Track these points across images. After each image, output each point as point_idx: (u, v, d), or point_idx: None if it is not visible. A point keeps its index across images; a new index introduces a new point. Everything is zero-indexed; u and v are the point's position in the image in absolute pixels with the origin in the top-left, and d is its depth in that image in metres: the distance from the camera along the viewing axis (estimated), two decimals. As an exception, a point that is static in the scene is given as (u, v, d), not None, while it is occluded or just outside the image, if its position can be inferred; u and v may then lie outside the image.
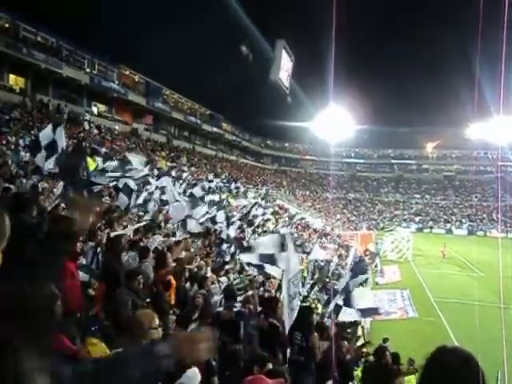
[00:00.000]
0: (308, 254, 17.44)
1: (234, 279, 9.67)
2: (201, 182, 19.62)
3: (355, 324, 12.45)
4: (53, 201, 7.23)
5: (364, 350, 9.01)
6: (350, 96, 46.99)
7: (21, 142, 16.16)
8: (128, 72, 38.81)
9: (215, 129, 52.67)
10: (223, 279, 8.63)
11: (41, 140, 7.51)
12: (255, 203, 20.89)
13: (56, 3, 29.25)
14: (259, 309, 6.25)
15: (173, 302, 5.68)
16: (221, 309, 6.12)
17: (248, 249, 7.62)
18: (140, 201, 9.03)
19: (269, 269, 6.80)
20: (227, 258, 11.29)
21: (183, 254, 6.93)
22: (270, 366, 3.69)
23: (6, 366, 0.95)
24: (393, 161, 71.99)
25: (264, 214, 23.86)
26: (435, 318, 16.98)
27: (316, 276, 16.76)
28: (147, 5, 38.22)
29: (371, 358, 7.09)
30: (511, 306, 14.49)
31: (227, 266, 10.15)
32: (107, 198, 10.58)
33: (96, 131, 28.08)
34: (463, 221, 56.12)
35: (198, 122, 49.10)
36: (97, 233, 5.84)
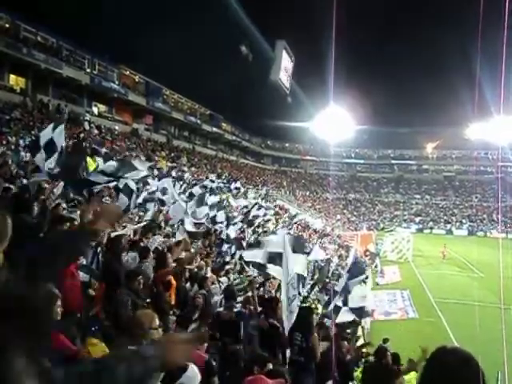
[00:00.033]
0: (308, 254, 17.42)
1: (234, 279, 9.67)
2: (201, 182, 19.56)
3: (355, 324, 12.44)
4: (52, 200, 7.22)
5: (364, 350, 9.01)
6: (349, 96, 47.02)
7: (21, 142, 16.17)
8: (128, 72, 38.82)
9: (215, 129, 52.69)
10: (223, 279, 8.63)
11: (40, 139, 7.51)
12: (255, 203, 20.87)
13: (56, 3, 29.26)
14: (259, 309, 6.25)
15: (173, 303, 5.68)
16: (221, 309, 6.12)
17: (256, 244, 7.60)
18: (140, 200, 9.02)
19: (271, 268, 6.80)
20: (228, 259, 11.30)
21: (183, 255, 6.93)
22: (270, 366, 3.69)
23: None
24: (393, 161, 71.97)
25: (265, 215, 23.86)
26: (435, 319, 16.98)
27: (316, 276, 16.76)
28: (147, 5, 38.24)
29: (371, 358, 7.09)
30: (511, 306, 14.51)
31: (227, 266, 10.15)
32: (107, 198, 10.58)
33: (96, 131, 28.09)
34: (463, 221, 56.11)
35: (198, 122, 49.11)
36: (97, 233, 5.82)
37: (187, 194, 13.54)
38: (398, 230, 46.27)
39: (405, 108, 56.92)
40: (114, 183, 7.88)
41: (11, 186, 7.39)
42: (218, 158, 51.17)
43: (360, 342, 11.85)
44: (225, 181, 33.00)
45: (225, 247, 11.73)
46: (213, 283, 7.26)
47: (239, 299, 6.78)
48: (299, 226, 32.13)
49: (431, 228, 55.50)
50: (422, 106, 59.17)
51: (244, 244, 13.23)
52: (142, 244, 7.25)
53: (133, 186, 7.96)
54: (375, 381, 5.27)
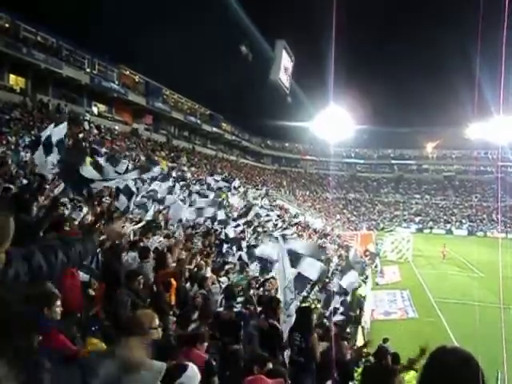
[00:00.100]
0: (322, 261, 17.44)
1: (234, 279, 9.67)
2: (203, 181, 19.58)
3: (355, 324, 12.47)
4: (53, 198, 7.21)
5: (365, 350, 9.00)
6: (349, 96, 46.99)
7: (21, 142, 16.16)
8: (128, 72, 38.80)
9: (215, 129, 52.68)
10: (223, 279, 8.63)
11: (41, 139, 7.54)
12: (253, 204, 20.86)
13: (56, 3, 29.30)
14: (259, 309, 6.25)
15: (173, 303, 5.68)
16: (221, 309, 6.13)
17: (275, 239, 7.64)
18: (138, 198, 9.02)
19: (277, 267, 6.84)
20: (230, 258, 11.30)
21: (183, 255, 6.93)
22: (270, 365, 3.69)
23: None
24: (393, 161, 71.97)
25: (268, 216, 23.91)
26: (435, 319, 16.97)
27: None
28: (147, 5, 38.28)
29: (371, 358, 7.08)
30: (511, 306, 14.51)
31: (227, 266, 10.15)
32: (107, 197, 10.57)
33: (96, 131, 28.08)
34: (463, 221, 56.11)
35: (198, 121, 49.10)
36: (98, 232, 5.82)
37: (187, 192, 13.56)
38: (397, 229, 46.26)
39: (405, 108, 57.02)
40: (114, 183, 7.88)
41: (11, 186, 7.39)
42: (218, 158, 51.17)
43: (360, 342, 11.86)
44: (225, 180, 32.98)
45: (225, 247, 11.74)
46: (213, 283, 7.27)
47: (239, 299, 6.79)
48: (299, 226, 32.12)
49: (431, 228, 55.50)
50: (422, 105, 59.30)
51: (244, 244, 13.25)
52: (141, 244, 7.26)
53: (133, 187, 7.98)
54: (375, 381, 5.27)
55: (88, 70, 32.48)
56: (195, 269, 7.60)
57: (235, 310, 5.96)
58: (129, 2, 33.79)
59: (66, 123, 8.35)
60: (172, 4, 39.49)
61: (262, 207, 27.08)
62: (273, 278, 9.99)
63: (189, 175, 26.21)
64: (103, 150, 19.96)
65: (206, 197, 12.65)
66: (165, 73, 40.64)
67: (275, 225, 23.69)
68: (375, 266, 27.25)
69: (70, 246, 1.88)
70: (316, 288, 15.27)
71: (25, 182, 8.81)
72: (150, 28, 37.66)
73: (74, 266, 2.15)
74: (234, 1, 33.81)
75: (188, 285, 6.81)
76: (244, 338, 5.04)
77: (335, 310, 8.52)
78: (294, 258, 6.81)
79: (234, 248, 11.88)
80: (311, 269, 7.31)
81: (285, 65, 39.41)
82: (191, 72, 41.80)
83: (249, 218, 17.13)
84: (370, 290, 20.58)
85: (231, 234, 12.38)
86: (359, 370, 6.92)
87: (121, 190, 7.87)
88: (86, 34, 32.43)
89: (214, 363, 3.71)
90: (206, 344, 3.92)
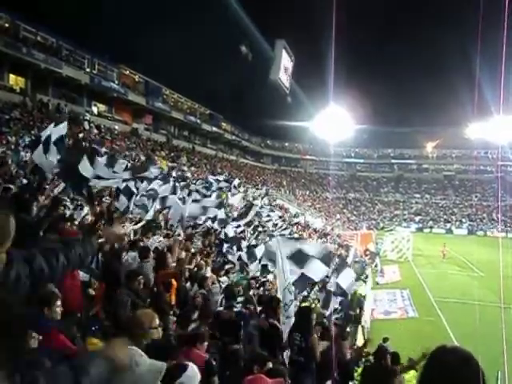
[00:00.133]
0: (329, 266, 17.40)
1: (234, 279, 9.67)
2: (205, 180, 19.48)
3: (355, 323, 12.47)
4: (53, 198, 7.21)
5: (365, 350, 9.00)
6: (349, 96, 47.04)
7: (21, 141, 16.16)
8: (128, 72, 38.79)
9: (215, 128, 52.67)
10: (224, 279, 8.63)
11: (41, 137, 7.54)
12: (253, 204, 20.79)
13: (56, 3, 29.28)
14: (259, 309, 6.26)
15: (173, 303, 5.68)
16: (221, 309, 6.13)
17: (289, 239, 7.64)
18: (138, 197, 9.00)
19: (283, 265, 6.84)
20: (230, 257, 11.30)
21: (183, 255, 6.93)
22: (270, 365, 3.70)
23: None
24: (393, 160, 71.97)
25: (268, 216, 23.88)
26: (435, 318, 16.97)
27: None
28: (147, 5, 38.27)
29: (371, 358, 7.08)
30: (511, 305, 14.51)
31: (227, 266, 10.16)
32: (107, 197, 10.57)
33: (96, 131, 28.08)
34: (463, 220, 56.12)
35: (198, 121, 49.10)
36: (97, 232, 5.83)
37: (187, 192, 13.52)
38: (397, 229, 46.20)
39: (405, 108, 57.04)
40: (112, 183, 7.87)
41: (11, 186, 7.39)
42: (218, 158, 51.18)
43: (360, 341, 11.87)
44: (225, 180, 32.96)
45: (225, 247, 11.73)
46: (213, 283, 7.27)
47: (239, 299, 6.79)
48: (299, 226, 32.14)
49: (431, 227, 55.51)
50: (422, 105, 59.30)
51: (244, 244, 13.24)
52: (141, 244, 7.26)
53: (133, 187, 7.97)
54: (374, 381, 5.27)
55: (88, 69, 32.48)
56: (195, 268, 7.60)
57: (235, 309, 5.96)
58: (129, 2, 33.79)
59: (66, 122, 8.35)
60: (172, 4, 39.51)
61: (262, 207, 27.03)
62: (273, 277, 10.01)
63: (189, 175, 26.19)
64: (103, 149, 19.94)
65: (209, 196, 12.61)
66: (165, 72, 40.66)
67: (275, 224, 23.68)
68: (375, 266, 27.26)
69: (70, 248, 1.89)
70: (316, 288, 15.29)
71: (25, 181, 8.82)
72: (150, 28, 37.66)
73: (75, 269, 2.16)
74: (233, 1, 33.82)
75: (188, 284, 6.81)
76: (244, 337, 5.04)
77: (334, 309, 8.51)
78: (303, 258, 6.83)
79: (235, 248, 11.87)
80: (316, 271, 7.32)
81: (285, 65, 39.42)
82: (191, 72, 41.80)
83: (249, 218, 17.09)
84: (370, 289, 20.59)
85: (230, 234, 12.35)
86: (359, 369, 6.93)
87: (121, 190, 7.86)
88: (86, 33, 32.43)
89: (214, 363, 3.71)
90: (206, 344, 3.93)
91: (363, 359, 8.18)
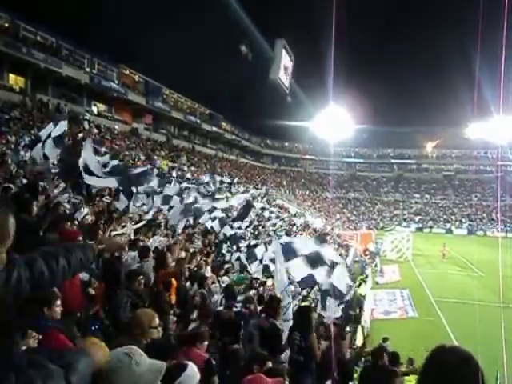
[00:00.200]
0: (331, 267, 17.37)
1: (234, 278, 9.68)
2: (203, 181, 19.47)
3: (355, 323, 12.46)
4: (54, 198, 7.22)
5: (366, 349, 9.02)
6: (349, 96, 47.07)
7: (21, 141, 16.15)
8: (128, 71, 38.78)
9: (215, 128, 52.67)
10: (224, 278, 8.63)
11: (41, 137, 7.54)
12: (253, 205, 20.81)
13: (56, 3, 29.27)
14: (259, 308, 6.26)
15: (173, 302, 5.68)
16: (221, 308, 6.13)
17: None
18: (140, 197, 8.98)
19: (292, 264, 6.87)
20: (227, 257, 11.30)
21: (183, 254, 6.94)
22: (270, 364, 3.70)
23: None
24: (392, 160, 72.00)
25: (269, 218, 23.92)
26: (435, 318, 16.97)
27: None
28: (147, 5, 38.25)
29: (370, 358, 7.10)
30: (511, 305, 14.53)
31: (226, 266, 10.16)
32: (107, 197, 10.57)
33: (96, 131, 28.07)
34: (463, 220, 56.13)
35: (198, 121, 49.10)
36: (97, 232, 5.83)
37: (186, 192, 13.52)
38: (397, 229, 46.24)
39: (405, 108, 57.07)
40: (108, 183, 7.84)
41: (11, 186, 7.39)
42: (218, 158, 51.18)
43: (360, 341, 11.88)
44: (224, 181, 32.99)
45: (225, 247, 11.74)
46: (213, 282, 7.27)
47: (239, 298, 6.80)
48: (299, 226, 32.13)
49: (431, 227, 55.52)
50: (422, 105, 59.35)
51: (244, 244, 13.24)
52: (141, 243, 7.26)
53: (133, 187, 7.96)
54: (371, 381, 5.27)
55: (88, 69, 32.47)
56: (195, 268, 7.61)
57: (235, 309, 5.96)
58: (129, 2, 33.79)
59: (66, 121, 8.35)
60: (172, 4, 39.51)
61: (264, 209, 27.11)
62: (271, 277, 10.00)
63: (189, 175, 26.21)
64: (103, 149, 19.95)
65: (212, 196, 12.63)
66: (164, 72, 40.67)
67: (274, 224, 23.71)
68: (375, 266, 27.25)
69: (71, 252, 1.89)
70: (316, 287, 15.29)
71: (25, 181, 8.82)
72: (150, 28, 37.67)
73: (75, 273, 2.17)
74: (233, 1, 33.81)
75: (188, 284, 6.81)
76: (244, 337, 5.04)
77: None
78: (317, 261, 6.86)
79: (235, 247, 11.88)
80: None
81: (285, 64, 39.39)
82: (191, 72, 41.81)
83: (248, 218, 17.10)
84: (370, 289, 20.56)
85: (228, 233, 12.34)
86: (359, 369, 6.93)
87: (121, 190, 7.86)
88: (86, 33, 32.44)
89: (214, 362, 3.71)
90: (206, 343, 3.93)
91: (363, 359, 8.20)
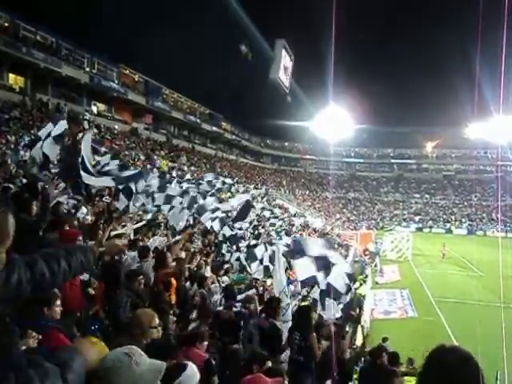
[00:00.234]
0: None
1: (234, 278, 9.68)
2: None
3: (355, 322, 12.44)
4: (53, 198, 7.21)
5: (366, 350, 9.02)
6: (349, 96, 47.13)
7: (20, 141, 16.16)
8: (128, 71, 38.78)
9: (215, 128, 52.67)
10: (224, 278, 8.64)
11: (41, 137, 7.53)
12: (252, 205, 20.76)
13: (56, 3, 29.27)
14: (259, 308, 6.25)
15: (173, 302, 5.68)
16: (221, 308, 6.13)
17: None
18: (139, 197, 8.96)
19: (298, 263, 6.88)
20: (227, 257, 11.29)
21: (183, 254, 6.93)
22: (269, 364, 3.69)
23: None
24: (392, 160, 72.01)
25: (269, 218, 23.88)
26: (435, 318, 16.97)
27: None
28: (147, 5, 38.24)
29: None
30: (511, 305, 14.53)
31: (225, 266, 10.16)
32: (107, 197, 10.58)
33: (96, 130, 28.07)
34: (463, 220, 56.14)
35: (198, 121, 49.10)
36: (98, 232, 5.83)
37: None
38: (397, 229, 46.27)
39: (405, 108, 57.09)
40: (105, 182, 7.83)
41: (11, 186, 7.39)
42: (218, 157, 51.19)
43: (359, 341, 11.88)
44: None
45: (224, 247, 11.73)
46: (213, 282, 7.27)
47: (239, 297, 6.79)
48: (299, 226, 32.16)
49: (431, 227, 55.52)
50: (422, 105, 59.33)
51: (244, 244, 13.23)
52: (141, 243, 7.26)
53: (133, 186, 7.94)
54: (370, 381, 5.27)
55: (87, 69, 32.47)
56: (195, 268, 7.61)
57: (235, 309, 5.96)
58: (129, 2, 33.78)
59: (65, 121, 8.33)
60: (172, 4, 39.49)
61: (263, 209, 27.05)
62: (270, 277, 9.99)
63: (189, 175, 26.16)
64: (103, 149, 19.94)
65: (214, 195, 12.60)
66: (164, 72, 40.66)
67: (273, 224, 23.68)
68: (375, 265, 27.26)
69: (72, 254, 1.90)
70: (315, 287, 15.28)
71: (24, 181, 8.81)
72: (150, 28, 37.65)
73: (76, 275, 2.17)
74: (234, 1, 33.82)
75: (188, 284, 6.81)
76: (244, 337, 5.04)
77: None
78: (325, 264, 6.90)
79: (234, 247, 11.87)
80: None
81: (284, 64, 39.46)
82: (191, 71, 41.79)
83: (248, 219, 17.07)
84: (370, 289, 20.57)
85: (228, 233, 12.34)
86: (359, 369, 6.93)
87: (121, 189, 7.84)
88: (86, 33, 32.43)
89: (214, 362, 3.71)
90: (205, 343, 3.93)
91: (363, 359, 8.20)
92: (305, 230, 31.85)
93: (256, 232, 18.11)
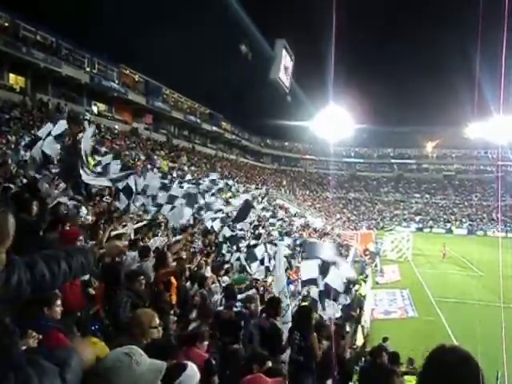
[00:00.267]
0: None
1: (234, 277, 9.68)
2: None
3: (355, 322, 12.46)
4: (54, 198, 7.22)
5: (367, 349, 9.02)
6: (349, 96, 47.12)
7: (21, 141, 16.15)
8: (128, 71, 38.79)
9: (215, 128, 52.68)
10: (224, 278, 8.64)
11: (40, 138, 7.55)
12: (252, 205, 20.75)
13: (56, 3, 29.26)
14: (260, 308, 6.25)
15: (173, 302, 5.68)
16: (221, 308, 6.13)
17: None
18: (139, 197, 8.96)
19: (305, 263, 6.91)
20: (227, 258, 11.30)
21: (183, 254, 6.94)
22: (270, 364, 3.69)
23: None
24: (392, 160, 72.00)
25: (269, 218, 23.88)
26: (435, 318, 16.98)
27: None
28: (147, 5, 38.23)
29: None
30: (511, 305, 14.53)
31: (226, 266, 10.16)
32: (107, 197, 10.57)
33: (96, 130, 28.05)
34: (463, 220, 56.12)
35: (198, 121, 49.10)
36: (98, 232, 5.83)
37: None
38: (397, 229, 46.27)
39: (405, 108, 57.09)
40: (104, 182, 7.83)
41: (11, 186, 7.38)
42: (218, 157, 51.18)
43: (360, 341, 11.88)
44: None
45: (224, 247, 11.74)
46: (213, 282, 7.27)
47: (239, 297, 6.80)
48: (299, 226, 32.14)
49: (431, 227, 55.50)
50: (422, 105, 59.33)
51: (244, 244, 13.24)
52: (141, 243, 7.26)
53: (133, 186, 7.95)
54: (370, 381, 5.26)
55: (88, 69, 32.47)
56: (195, 268, 7.61)
57: (235, 309, 5.96)
58: (129, 2, 33.77)
59: (65, 120, 8.35)
60: (172, 4, 39.48)
61: (264, 209, 27.06)
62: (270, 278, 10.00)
63: (189, 176, 26.18)
64: (103, 149, 19.94)
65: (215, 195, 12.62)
66: (165, 72, 40.65)
67: (273, 224, 23.69)
68: (375, 265, 27.27)
69: (72, 256, 1.90)
70: (315, 287, 15.27)
71: (25, 181, 8.81)
72: (150, 27, 37.64)
73: (76, 277, 2.17)
74: (234, 1, 33.82)
75: (188, 284, 6.81)
76: (244, 337, 5.04)
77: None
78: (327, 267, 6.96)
79: (234, 247, 11.88)
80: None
81: (285, 64, 39.46)
82: (191, 71, 41.79)
83: (248, 219, 17.07)
84: (370, 289, 20.58)
85: (228, 234, 12.34)
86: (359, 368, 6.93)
87: (121, 189, 7.85)
88: (86, 33, 32.42)
89: (214, 362, 3.71)
90: (206, 343, 3.93)
91: (363, 359, 8.20)
92: (305, 230, 31.84)
93: (256, 232, 18.11)
